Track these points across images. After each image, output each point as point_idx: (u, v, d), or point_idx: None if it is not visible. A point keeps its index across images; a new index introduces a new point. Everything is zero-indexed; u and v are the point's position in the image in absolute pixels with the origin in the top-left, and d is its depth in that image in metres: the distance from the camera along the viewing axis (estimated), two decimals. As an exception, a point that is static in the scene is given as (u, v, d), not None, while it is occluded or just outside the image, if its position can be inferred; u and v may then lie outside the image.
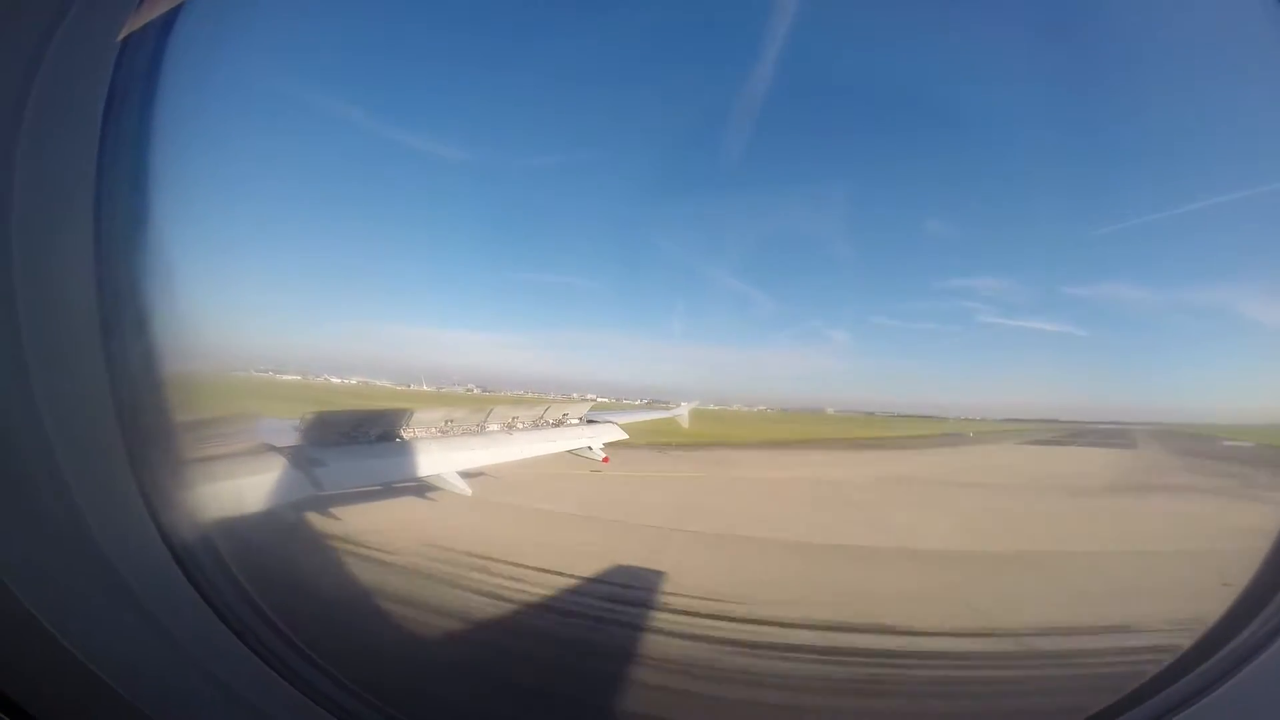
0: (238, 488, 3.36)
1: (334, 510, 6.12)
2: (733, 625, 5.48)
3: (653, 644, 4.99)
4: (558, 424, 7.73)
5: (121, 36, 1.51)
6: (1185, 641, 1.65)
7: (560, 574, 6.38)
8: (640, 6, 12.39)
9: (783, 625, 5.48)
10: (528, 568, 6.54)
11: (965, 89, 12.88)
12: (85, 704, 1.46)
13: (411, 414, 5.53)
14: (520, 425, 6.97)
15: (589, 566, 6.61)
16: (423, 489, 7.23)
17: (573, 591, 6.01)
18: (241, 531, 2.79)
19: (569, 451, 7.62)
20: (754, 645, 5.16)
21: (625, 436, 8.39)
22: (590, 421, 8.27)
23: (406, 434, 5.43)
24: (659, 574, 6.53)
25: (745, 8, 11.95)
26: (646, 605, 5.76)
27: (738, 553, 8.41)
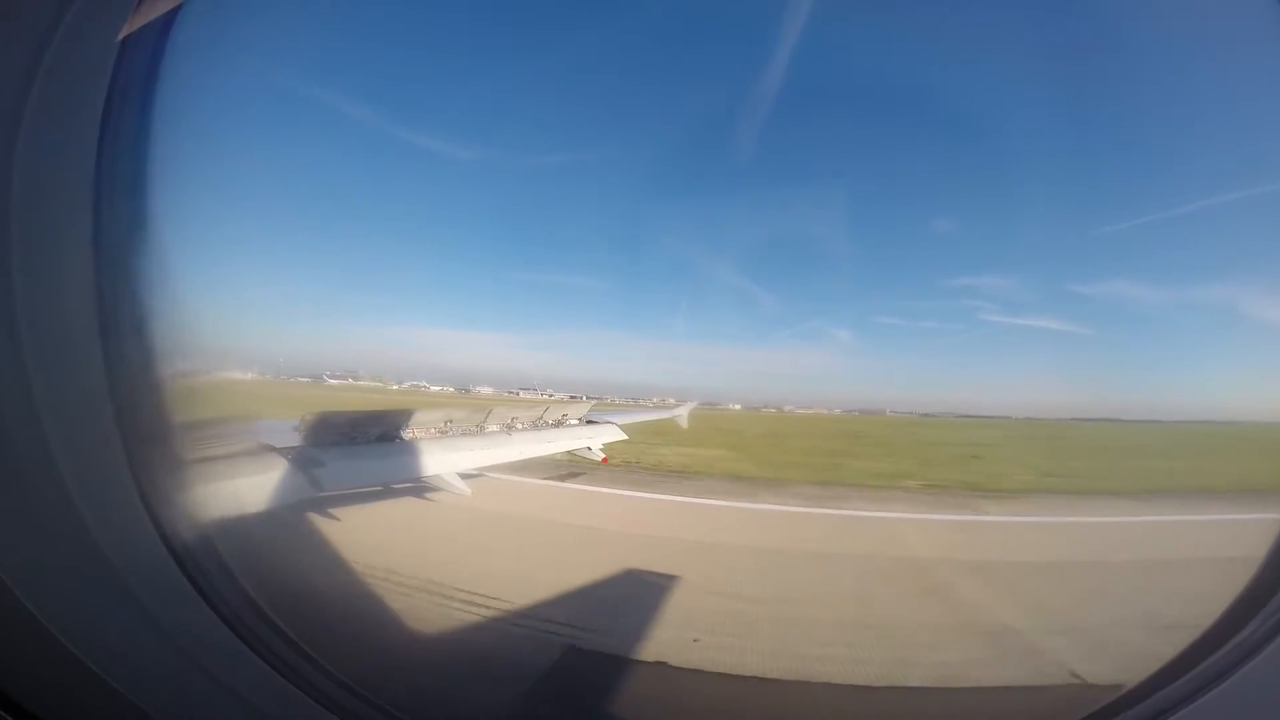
0: (237, 488, 3.35)
1: (333, 510, 6.12)
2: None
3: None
4: (557, 424, 7.73)
5: (121, 36, 1.51)
6: (1183, 641, 1.65)
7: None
8: (646, 6, 12.40)
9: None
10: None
11: (969, 88, 12.90)
12: (85, 702, 1.46)
13: (411, 414, 5.53)
14: (520, 426, 6.97)
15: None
16: (422, 489, 7.23)
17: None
18: (241, 531, 2.80)
19: (568, 452, 7.64)
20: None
21: (625, 437, 8.39)
22: (590, 422, 8.27)
23: (406, 434, 5.43)
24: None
25: (751, 7, 11.95)
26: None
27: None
